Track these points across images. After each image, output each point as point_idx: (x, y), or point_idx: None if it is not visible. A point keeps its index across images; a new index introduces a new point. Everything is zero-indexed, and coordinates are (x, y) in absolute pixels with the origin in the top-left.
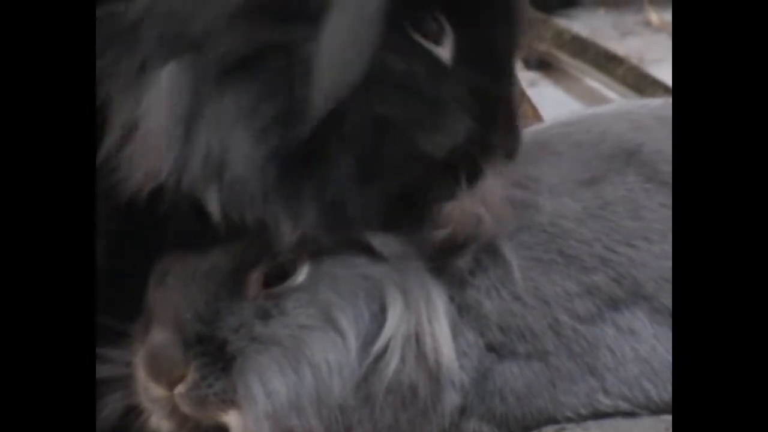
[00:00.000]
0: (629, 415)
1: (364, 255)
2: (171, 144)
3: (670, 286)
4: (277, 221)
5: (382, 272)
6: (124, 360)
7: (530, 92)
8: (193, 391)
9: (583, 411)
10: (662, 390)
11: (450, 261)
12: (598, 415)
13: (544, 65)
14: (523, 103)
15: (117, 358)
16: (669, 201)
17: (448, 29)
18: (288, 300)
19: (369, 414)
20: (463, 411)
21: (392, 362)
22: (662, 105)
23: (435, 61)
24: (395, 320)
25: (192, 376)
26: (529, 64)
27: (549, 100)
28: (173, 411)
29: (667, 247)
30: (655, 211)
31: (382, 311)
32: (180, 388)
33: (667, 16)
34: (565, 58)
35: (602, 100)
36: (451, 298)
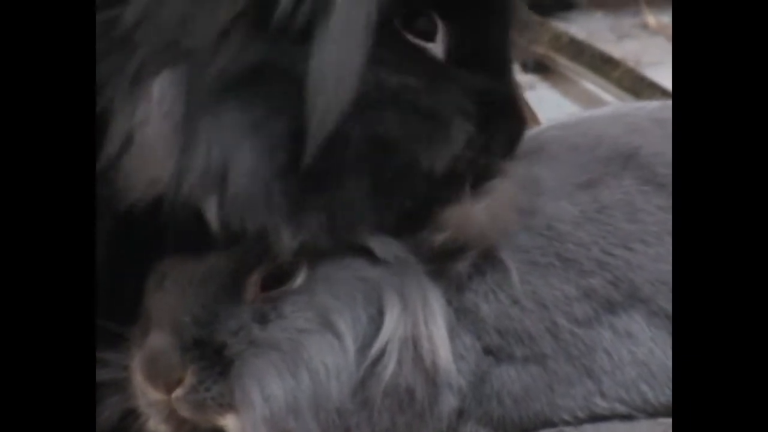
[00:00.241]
0: (626, 418)
1: (361, 258)
2: (170, 154)
3: (667, 289)
4: (279, 231)
5: (379, 275)
6: (122, 363)
7: (528, 95)
8: (191, 394)
9: (580, 414)
10: (659, 393)
11: (448, 265)
12: (595, 418)
13: (541, 68)
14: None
15: (115, 361)
16: (666, 203)
17: (441, 25)
18: (286, 303)
19: (367, 417)
20: (460, 414)
21: (389, 365)
22: (659, 107)
23: (428, 61)
24: (392, 323)
25: (190, 379)
26: (526, 67)
27: (546, 103)
28: (171, 415)
29: (664, 250)
30: (652, 214)
31: (380, 314)
32: (178, 392)
33: (664, 19)
34: (562, 61)
35: (599, 102)
36: (449, 302)
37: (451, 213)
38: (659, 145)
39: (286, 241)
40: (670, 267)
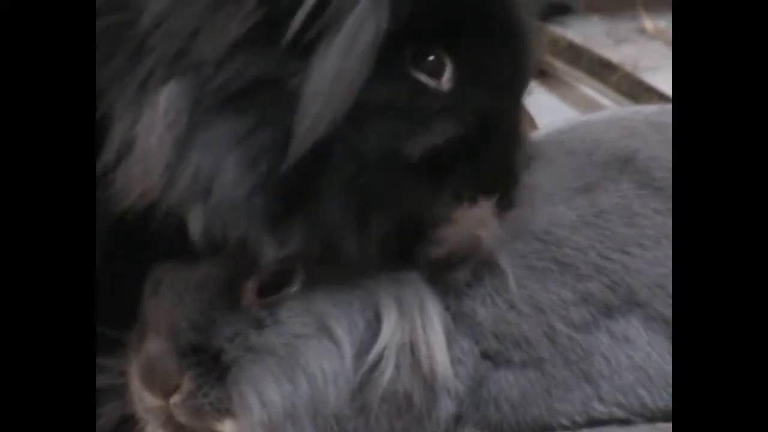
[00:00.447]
0: (624, 422)
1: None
2: (168, 165)
3: (664, 293)
4: (260, 243)
5: (376, 281)
6: (120, 369)
7: (525, 99)
8: (189, 400)
9: (578, 418)
10: (657, 397)
11: (446, 273)
12: (593, 422)
13: (538, 73)
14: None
15: (112, 367)
16: (663, 207)
17: (448, 63)
18: (282, 309)
19: (364, 423)
20: (458, 419)
21: (387, 371)
22: (656, 111)
23: (428, 90)
24: (390, 329)
25: (187, 385)
26: None
27: (544, 108)
28: (169, 420)
29: (661, 254)
30: (649, 218)
31: (377, 320)
32: (175, 398)
33: (662, 23)
34: (559, 66)
35: (597, 107)
36: (447, 307)
37: (445, 230)
38: (656, 149)
39: (268, 252)
40: (667, 271)
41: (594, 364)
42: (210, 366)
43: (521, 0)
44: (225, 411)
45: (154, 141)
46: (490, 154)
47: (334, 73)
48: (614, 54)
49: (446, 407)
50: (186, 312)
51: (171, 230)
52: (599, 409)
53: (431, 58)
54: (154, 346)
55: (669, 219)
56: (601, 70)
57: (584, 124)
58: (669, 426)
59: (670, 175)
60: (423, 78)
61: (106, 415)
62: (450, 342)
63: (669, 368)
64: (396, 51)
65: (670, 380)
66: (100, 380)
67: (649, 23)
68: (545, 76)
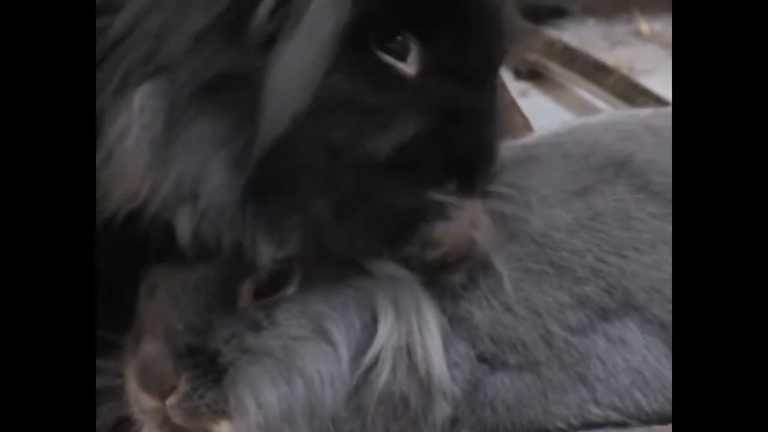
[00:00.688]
0: (620, 425)
1: (355, 265)
2: (148, 167)
3: (661, 297)
4: (256, 246)
5: (373, 283)
6: (116, 371)
7: (521, 102)
8: (185, 402)
9: (574, 422)
10: (653, 400)
11: (442, 276)
12: (589, 425)
13: (534, 75)
14: (514, 112)
15: (109, 369)
16: (659, 211)
17: (414, 45)
18: (279, 311)
19: (360, 425)
20: (454, 422)
21: (383, 373)
22: (652, 115)
23: (393, 75)
24: (386, 331)
25: (183, 387)
26: (519, 75)
27: (539, 110)
28: (165, 422)
29: (658, 258)
30: (645, 222)
31: (374, 322)
32: (171, 400)
33: (657, 26)
34: (555, 69)
35: (592, 110)
36: (443, 310)
37: (440, 232)
38: (653, 152)
39: (265, 254)
40: (663, 274)
41: (590, 367)
42: (206, 368)
43: None
44: (221, 413)
45: (131, 143)
46: (461, 140)
47: (293, 67)
48: (610, 57)
49: (442, 410)
50: (182, 314)
51: (165, 233)
52: (595, 412)
53: (397, 39)
54: (151, 347)
55: (665, 223)
56: (597, 72)
57: (580, 127)
58: (664, 429)
59: (666, 179)
60: (388, 60)
61: (103, 416)
62: (446, 345)
63: (665, 371)
64: (361, 37)
65: (666, 383)
66: (97, 382)
67: (645, 26)
68: (541, 78)
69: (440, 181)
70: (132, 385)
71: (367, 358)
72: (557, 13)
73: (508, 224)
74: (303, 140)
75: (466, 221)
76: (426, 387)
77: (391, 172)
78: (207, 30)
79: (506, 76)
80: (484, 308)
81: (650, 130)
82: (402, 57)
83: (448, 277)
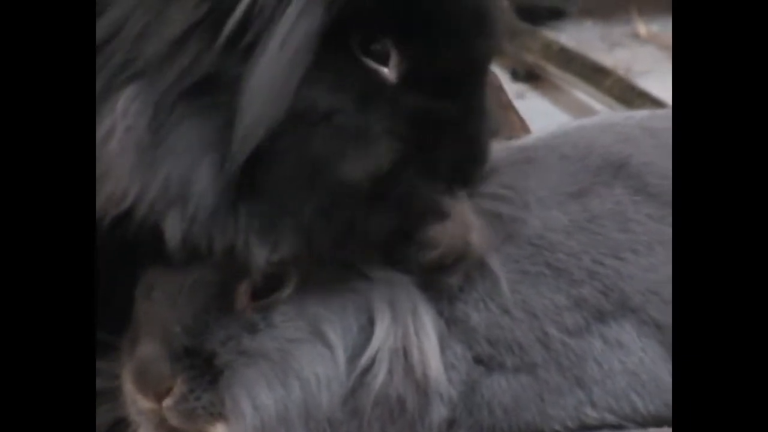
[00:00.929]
0: (616, 427)
1: (352, 268)
2: (134, 169)
3: (657, 299)
4: (249, 248)
5: (370, 285)
6: (113, 372)
7: (518, 104)
8: (181, 404)
9: (570, 424)
10: (649, 402)
11: (439, 277)
12: (586, 427)
13: (531, 77)
14: (511, 114)
15: (105, 370)
16: (656, 213)
17: (394, 51)
18: (276, 313)
19: (357, 427)
20: (450, 424)
21: (380, 375)
22: (649, 116)
23: (371, 83)
24: (383, 333)
25: (180, 388)
26: (516, 76)
27: (537, 112)
28: (161, 424)
29: (654, 260)
30: (642, 224)
31: (370, 324)
32: (168, 401)
33: (655, 27)
34: (552, 70)
35: (589, 111)
36: (440, 312)
37: (436, 234)
38: (650, 154)
39: (259, 256)
40: (660, 276)
41: (587, 369)
42: (203, 369)
43: None
44: (217, 415)
45: (115, 145)
46: (448, 144)
47: (267, 75)
48: (607, 58)
49: (439, 412)
50: (179, 315)
51: (155, 236)
52: (591, 415)
53: (378, 44)
54: (147, 349)
55: (662, 225)
56: (594, 74)
57: (577, 129)
58: (661, 431)
59: (663, 180)
60: (372, 65)
61: (100, 417)
62: (443, 347)
63: (661, 373)
64: (343, 43)
65: (662, 386)
66: None
67: (642, 28)
68: (538, 80)
69: (429, 185)
70: (128, 387)
71: (364, 360)
72: (555, 15)
73: (505, 226)
74: (285, 150)
75: (462, 222)
76: (423, 389)
77: (376, 186)
78: (187, 35)
79: (503, 77)
80: (481, 310)
81: (647, 131)
82: (384, 61)
83: (444, 279)
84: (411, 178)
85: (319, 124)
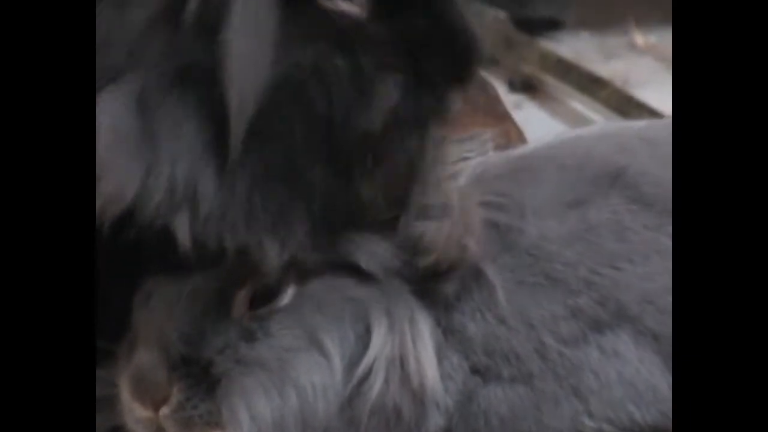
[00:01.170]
0: None
1: (349, 277)
2: (128, 169)
3: (653, 308)
4: (263, 247)
5: (367, 294)
6: (110, 380)
7: (515, 114)
8: (178, 412)
9: None
10: (646, 412)
11: (435, 286)
12: None
13: (528, 88)
14: (507, 124)
15: (103, 378)
16: (653, 223)
17: None
18: (273, 321)
19: None
20: None
21: (376, 384)
22: (646, 126)
23: (345, 25)
24: (379, 342)
25: (176, 397)
26: (514, 87)
27: (534, 123)
28: None
29: (651, 269)
30: (639, 233)
31: (367, 333)
32: (165, 410)
33: (652, 38)
34: (549, 81)
35: (586, 122)
36: (437, 321)
37: (432, 236)
38: (647, 164)
39: (273, 257)
40: (657, 286)
41: (583, 379)
42: (199, 378)
43: None
44: (214, 424)
45: (102, 146)
46: (435, 60)
47: (239, 48)
48: (604, 69)
49: (435, 421)
50: (176, 323)
51: (161, 241)
52: (588, 425)
53: None
54: (144, 357)
55: (659, 234)
56: (591, 85)
57: (574, 139)
58: None
59: (660, 190)
60: (336, 4)
61: (97, 425)
62: (440, 357)
63: (658, 383)
64: None
65: (659, 395)
66: None
67: (639, 38)
68: (535, 91)
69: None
70: (125, 395)
71: (361, 370)
72: (552, 25)
73: (502, 235)
74: (287, 119)
75: (459, 226)
76: (419, 398)
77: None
78: (149, 28)
79: (501, 88)
80: (478, 320)
81: (645, 141)
82: None
83: (441, 287)
84: (415, 105)
85: (310, 81)
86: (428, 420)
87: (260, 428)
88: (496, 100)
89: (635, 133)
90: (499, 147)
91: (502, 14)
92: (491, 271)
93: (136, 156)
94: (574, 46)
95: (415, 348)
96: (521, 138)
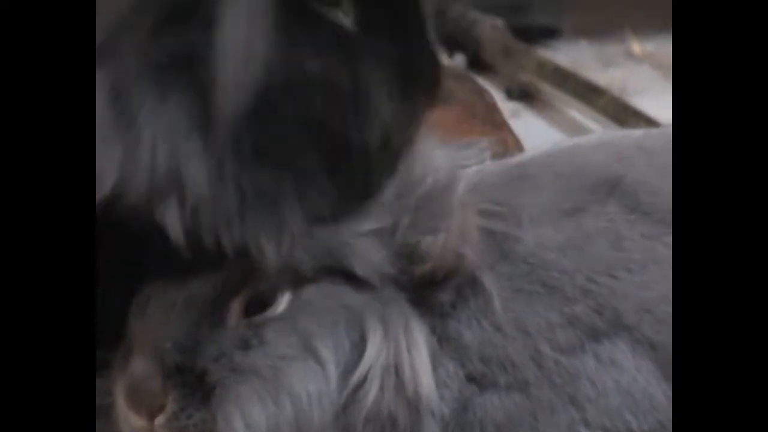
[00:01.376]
0: None
1: (344, 285)
2: (105, 155)
3: (650, 317)
4: (259, 243)
5: (362, 302)
6: (105, 389)
7: (512, 123)
8: (173, 422)
9: None
10: (642, 421)
11: (431, 293)
12: None
13: (526, 96)
14: (505, 132)
15: (99, 387)
16: (650, 231)
17: None
18: (268, 329)
19: None
20: None
21: (371, 392)
22: (644, 135)
23: (342, 34)
24: (374, 350)
25: (171, 406)
26: (511, 95)
27: (531, 131)
28: None
29: (648, 278)
30: (636, 242)
31: (362, 341)
32: (160, 419)
33: (650, 46)
34: (547, 89)
35: (584, 131)
36: (432, 329)
37: (428, 245)
38: (644, 173)
39: (271, 255)
40: (654, 295)
41: (580, 387)
42: (194, 387)
43: None
44: None
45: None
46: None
47: (238, 37)
48: (602, 77)
49: (431, 429)
50: (171, 332)
51: (158, 242)
52: None
53: None
54: (139, 366)
55: (656, 243)
56: (589, 93)
57: (571, 148)
58: None
59: (657, 199)
60: (330, 14)
61: None
62: (435, 364)
63: (655, 392)
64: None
65: (656, 404)
66: None
67: (637, 46)
68: (532, 99)
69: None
70: (121, 404)
71: (356, 377)
72: (549, 34)
73: (499, 243)
74: (286, 115)
75: (455, 235)
76: (414, 406)
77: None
78: (133, 15)
79: (498, 96)
80: (474, 328)
81: (642, 150)
82: (336, 2)
83: (437, 295)
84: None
85: (314, 89)
86: (423, 428)
87: None
88: (493, 108)
89: (633, 141)
90: (496, 155)
91: (499, 22)
92: (488, 279)
93: (112, 142)
94: (572, 55)
95: (410, 356)
96: (519, 146)
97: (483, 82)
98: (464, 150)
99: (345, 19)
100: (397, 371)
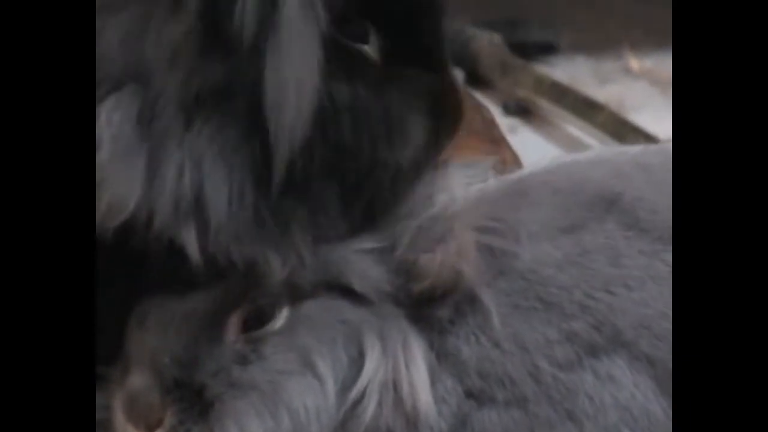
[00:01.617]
0: None
1: (343, 300)
2: (131, 179)
3: (649, 333)
4: (268, 259)
5: (360, 317)
6: (104, 403)
7: (510, 138)
8: None
9: None
10: None
11: (429, 310)
12: None
13: (523, 112)
14: (503, 148)
15: (97, 401)
16: (648, 248)
17: (372, 29)
18: (266, 345)
19: None
20: None
21: (369, 408)
22: (642, 152)
23: (369, 65)
24: (373, 366)
25: (169, 421)
26: (508, 111)
27: (529, 147)
28: None
29: (646, 294)
30: (634, 258)
31: (361, 356)
32: None
33: (648, 62)
34: (544, 105)
35: (582, 146)
36: (430, 345)
37: (427, 262)
38: (642, 190)
39: (276, 271)
40: (652, 311)
41: (578, 403)
42: (193, 401)
43: None
44: None
45: (104, 155)
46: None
47: (292, 73)
48: (600, 93)
49: None
50: (170, 346)
51: (156, 261)
52: None
53: (355, 24)
54: (138, 380)
55: (654, 260)
56: (586, 109)
57: (569, 164)
58: None
59: (655, 216)
60: (353, 45)
61: None
62: (433, 380)
63: (653, 408)
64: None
65: (654, 420)
66: None
67: (635, 63)
68: (530, 115)
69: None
70: (119, 418)
71: (354, 393)
72: (546, 50)
73: (497, 259)
74: (312, 145)
75: (454, 252)
76: (412, 422)
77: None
78: (181, 42)
79: (496, 112)
80: (472, 344)
81: (640, 167)
82: (363, 39)
83: (435, 312)
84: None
85: (344, 116)
86: None
87: None
88: (491, 124)
89: (631, 158)
90: (494, 171)
91: (497, 38)
92: (486, 296)
93: (138, 166)
94: (569, 70)
95: (408, 371)
96: (517, 162)
97: (480, 97)
98: (469, 169)
99: (372, 51)
100: (396, 387)
